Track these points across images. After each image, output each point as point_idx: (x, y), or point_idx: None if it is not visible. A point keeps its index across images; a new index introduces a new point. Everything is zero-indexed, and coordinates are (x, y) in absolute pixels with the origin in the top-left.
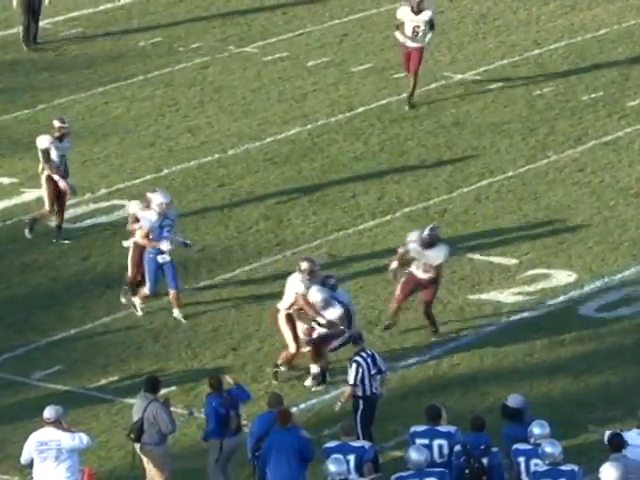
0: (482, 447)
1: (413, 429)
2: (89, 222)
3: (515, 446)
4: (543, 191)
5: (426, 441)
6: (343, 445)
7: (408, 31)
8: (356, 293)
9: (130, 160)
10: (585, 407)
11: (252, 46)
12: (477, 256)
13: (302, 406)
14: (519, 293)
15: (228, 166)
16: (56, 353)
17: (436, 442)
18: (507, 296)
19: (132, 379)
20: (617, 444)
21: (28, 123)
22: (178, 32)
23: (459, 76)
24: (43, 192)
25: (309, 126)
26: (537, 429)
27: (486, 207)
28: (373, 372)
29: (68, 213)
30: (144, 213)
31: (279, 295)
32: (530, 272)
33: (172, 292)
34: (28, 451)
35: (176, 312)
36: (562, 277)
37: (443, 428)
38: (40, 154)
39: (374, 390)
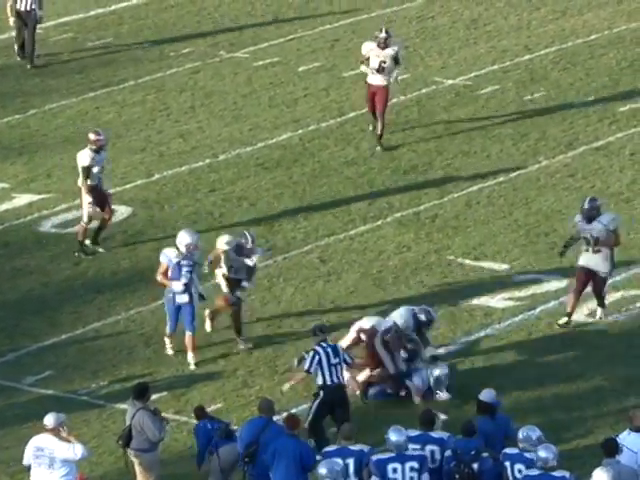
0: (472, 452)
1: (406, 434)
2: None
3: (505, 450)
4: (534, 196)
5: (418, 446)
6: (342, 449)
7: (373, 66)
8: (347, 298)
9: (121, 165)
10: (576, 411)
11: (243, 51)
12: (468, 261)
13: (294, 411)
14: (510, 298)
15: (219, 171)
16: (47, 358)
17: (428, 447)
18: (498, 301)
19: (123, 384)
20: (611, 449)
21: (19, 128)
22: (169, 37)
23: (450, 81)
24: (86, 207)
25: (300, 131)
26: (525, 434)
27: (477, 212)
28: (334, 362)
29: (58, 218)
30: (166, 250)
31: (269, 301)
32: (521, 277)
33: (188, 334)
34: (27, 454)
35: (190, 356)
36: (553, 282)
37: (436, 434)
38: (80, 170)
39: (335, 379)
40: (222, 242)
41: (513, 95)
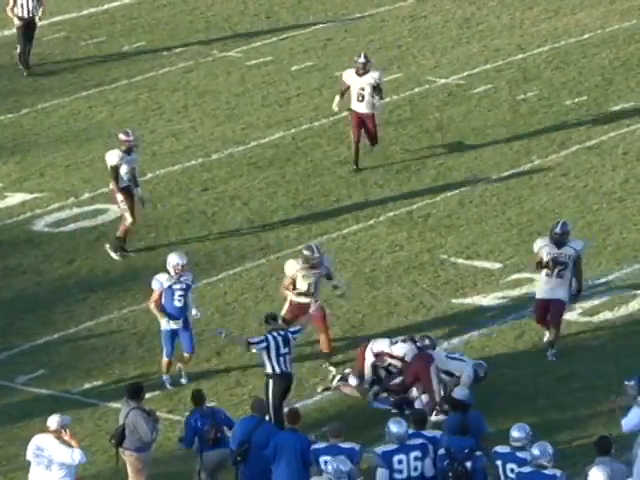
0: (466, 451)
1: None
2: (73, 226)
3: (495, 449)
4: (527, 195)
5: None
6: (332, 447)
7: (353, 94)
8: (339, 298)
9: None
10: (569, 410)
11: (236, 50)
12: (461, 260)
13: (285, 410)
14: (503, 297)
15: (212, 170)
16: (40, 357)
17: None
18: (491, 300)
19: (116, 383)
20: (604, 447)
21: (12, 127)
22: (162, 36)
23: (443, 80)
24: (121, 207)
25: (293, 130)
26: (515, 433)
27: (470, 211)
28: (283, 351)
29: (51, 217)
30: (158, 275)
31: (262, 299)
32: (514, 276)
33: (186, 354)
34: (29, 451)
35: (179, 366)
36: None
37: (429, 433)
38: (109, 170)
39: (283, 368)
40: (292, 267)
41: (506, 94)
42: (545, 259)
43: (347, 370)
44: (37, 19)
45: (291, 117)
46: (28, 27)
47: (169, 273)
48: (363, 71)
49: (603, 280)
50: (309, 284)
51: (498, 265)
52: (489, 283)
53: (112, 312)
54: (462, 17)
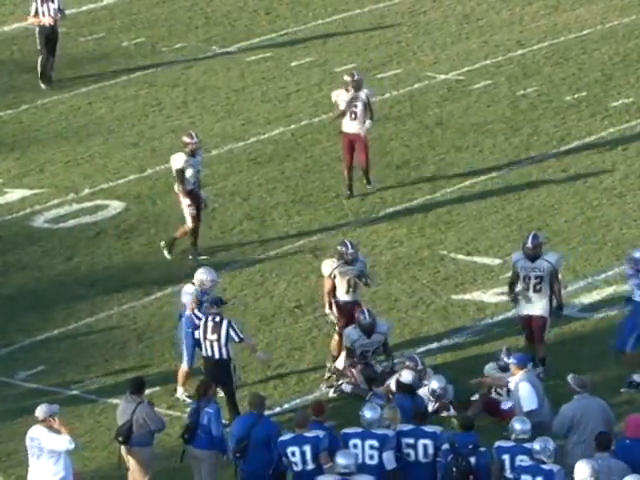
0: (470, 446)
1: (399, 428)
2: (73, 222)
3: (498, 443)
4: (526, 191)
5: (411, 440)
6: (298, 437)
7: (346, 114)
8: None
9: (114, 160)
10: None
11: (235, 46)
12: (460, 256)
13: (286, 406)
14: (502, 293)
15: (211, 166)
16: (40, 353)
17: (421, 442)
18: (490, 296)
19: (116, 379)
20: (603, 443)
21: (11, 123)
22: (161, 32)
23: (442, 76)
24: (186, 211)
25: (292, 126)
26: (518, 425)
27: (469, 207)
28: (211, 337)
29: (51, 213)
30: (186, 288)
31: (262, 296)
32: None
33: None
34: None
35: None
36: None
37: (429, 428)
38: (174, 173)
39: (208, 354)
40: (328, 266)
41: (505, 90)
42: (520, 274)
43: (340, 381)
44: (58, 27)
45: (291, 113)
46: (50, 36)
47: (197, 285)
48: (354, 87)
49: (603, 276)
50: (348, 281)
51: (498, 261)
52: (489, 279)
53: (112, 308)
54: (462, 13)
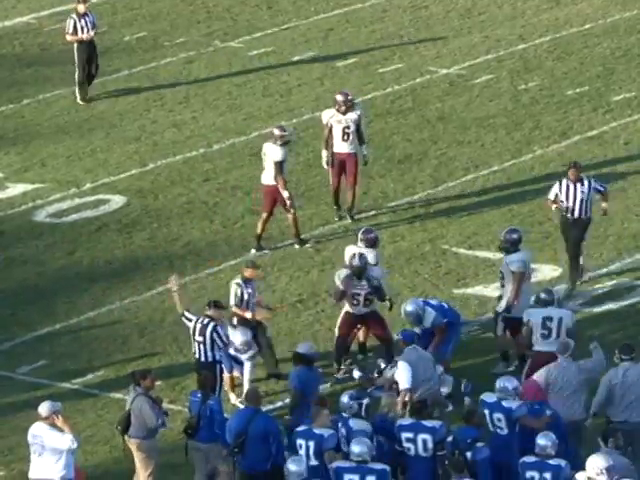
0: (468, 441)
1: (399, 422)
2: (75, 217)
3: (482, 397)
4: (528, 186)
5: (411, 435)
6: (306, 430)
7: (337, 134)
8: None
9: (115, 155)
10: None
11: (237, 41)
12: (462, 250)
13: (287, 400)
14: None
15: (213, 160)
16: (41, 348)
17: (420, 436)
18: (492, 290)
19: (117, 374)
20: (608, 437)
21: (13, 118)
22: (163, 27)
23: (444, 70)
24: (288, 202)
25: (294, 120)
26: (508, 384)
27: (471, 201)
28: (198, 339)
29: (53, 208)
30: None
31: (264, 290)
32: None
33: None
34: (29, 442)
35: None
36: (547, 271)
37: (428, 423)
38: (273, 166)
39: (196, 355)
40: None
41: (507, 84)
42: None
43: (353, 365)
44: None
45: (292, 107)
46: (90, 52)
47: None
48: (345, 108)
49: (604, 270)
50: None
51: (500, 255)
52: (490, 273)
53: (114, 302)
54: (463, 7)
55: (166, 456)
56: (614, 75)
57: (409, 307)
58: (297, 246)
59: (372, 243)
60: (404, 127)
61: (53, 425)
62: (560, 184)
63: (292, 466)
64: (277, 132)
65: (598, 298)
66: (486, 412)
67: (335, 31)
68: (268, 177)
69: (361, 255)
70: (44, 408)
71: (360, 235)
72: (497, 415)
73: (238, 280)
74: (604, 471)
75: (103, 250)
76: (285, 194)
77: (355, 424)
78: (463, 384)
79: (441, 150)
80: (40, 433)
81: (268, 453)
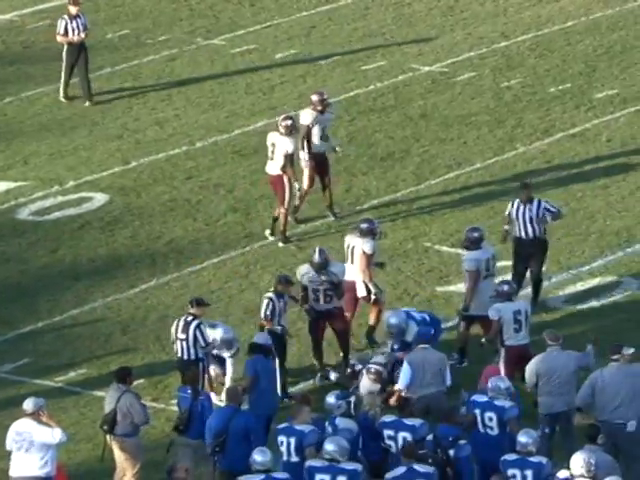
0: (450, 439)
1: (382, 420)
2: (57, 214)
3: (472, 397)
4: (511, 183)
5: (392, 432)
6: (287, 427)
7: (316, 135)
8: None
9: (98, 152)
10: None
11: (220, 38)
12: (445, 248)
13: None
14: None
15: (196, 158)
16: (24, 346)
17: (400, 434)
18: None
19: (100, 371)
20: (592, 435)
21: None
22: (146, 24)
23: (426, 68)
24: (305, 171)
25: (277, 118)
26: (501, 383)
27: (454, 199)
28: (181, 337)
29: (35, 205)
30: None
31: (246, 288)
32: (497, 264)
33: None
34: (8, 440)
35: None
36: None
37: (408, 421)
38: (283, 157)
39: (178, 354)
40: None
41: (490, 82)
42: None
43: (327, 368)
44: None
45: (275, 105)
46: (79, 52)
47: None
48: (322, 107)
49: (587, 267)
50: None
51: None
52: None
53: (96, 300)
54: (446, 5)
55: (149, 454)
56: (596, 72)
57: (393, 320)
58: (281, 244)
59: (367, 233)
60: (387, 125)
61: (39, 421)
62: (512, 204)
63: (257, 456)
64: (315, 98)
65: (581, 295)
66: (477, 412)
67: (318, 29)
68: (274, 167)
69: (321, 250)
70: (29, 404)
71: (359, 225)
72: (489, 414)
73: (270, 294)
74: (588, 469)
75: (86, 248)
76: (287, 188)
77: (341, 422)
78: (462, 394)
79: (424, 148)
80: (28, 429)
81: (249, 452)
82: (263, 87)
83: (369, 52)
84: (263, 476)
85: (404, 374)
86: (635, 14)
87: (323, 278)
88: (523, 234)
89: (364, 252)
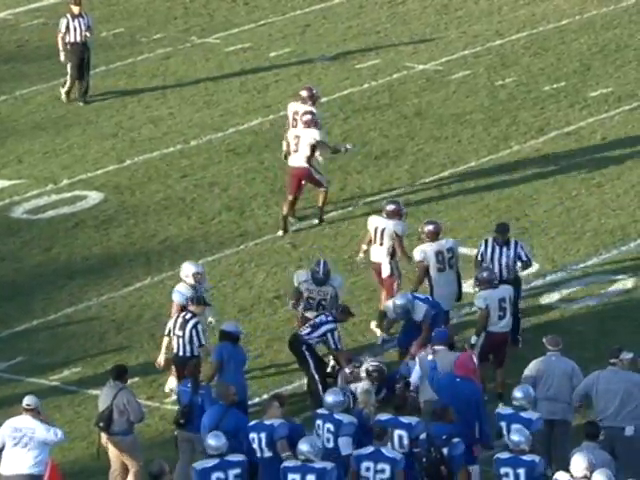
0: (444, 437)
1: (377, 417)
2: (52, 213)
3: (497, 410)
4: (505, 181)
5: (388, 430)
6: (257, 424)
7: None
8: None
9: (92, 151)
10: None
11: (214, 37)
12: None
13: (265, 396)
14: None
15: (190, 157)
16: (19, 344)
17: (397, 432)
18: (469, 286)
19: (95, 370)
20: (591, 433)
21: None
22: (140, 23)
23: (421, 66)
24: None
25: (271, 117)
26: (518, 393)
27: (448, 197)
28: (178, 333)
29: (30, 204)
30: (178, 287)
31: (241, 286)
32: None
33: None
34: (1, 435)
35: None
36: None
37: (404, 419)
38: (309, 147)
39: (174, 350)
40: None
41: (484, 80)
42: None
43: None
44: (89, 39)
45: (269, 103)
46: (82, 53)
47: (187, 283)
48: (312, 102)
49: (582, 266)
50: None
51: (476, 250)
52: (467, 269)
53: (91, 299)
54: (440, 3)
55: (144, 453)
56: (591, 71)
57: (399, 301)
58: (316, 221)
59: (394, 214)
60: (381, 123)
61: (39, 419)
62: (486, 245)
63: (211, 441)
64: (304, 93)
65: (575, 294)
66: (503, 425)
67: (312, 27)
68: (298, 159)
69: (324, 263)
70: (32, 400)
71: (384, 206)
72: (516, 426)
73: None
74: (591, 470)
75: (80, 247)
76: (317, 173)
77: (345, 417)
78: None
79: (418, 146)
80: (29, 425)
81: (239, 450)
82: (257, 86)
83: (363, 50)
84: (217, 460)
85: (415, 373)
86: (629, 12)
87: (323, 289)
88: (501, 276)
89: (397, 234)
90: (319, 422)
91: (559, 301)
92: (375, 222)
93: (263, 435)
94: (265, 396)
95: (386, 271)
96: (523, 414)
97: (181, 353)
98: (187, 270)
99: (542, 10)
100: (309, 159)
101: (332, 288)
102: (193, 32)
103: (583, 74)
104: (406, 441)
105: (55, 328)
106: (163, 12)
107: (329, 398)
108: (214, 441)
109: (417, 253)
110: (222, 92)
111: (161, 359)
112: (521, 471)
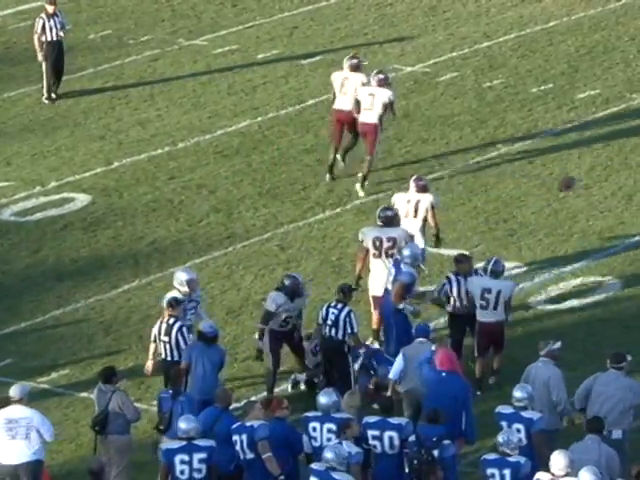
0: (434, 439)
1: (365, 420)
2: (40, 215)
3: (498, 409)
4: (493, 183)
5: (377, 432)
6: (239, 426)
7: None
8: (306, 286)
9: (80, 153)
10: None
11: (202, 39)
12: (427, 248)
13: (253, 399)
14: None
15: (178, 159)
16: (7, 346)
17: (387, 434)
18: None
19: (83, 372)
20: (596, 427)
21: None
22: (128, 25)
23: (409, 68)
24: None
25: (259, 119)
26: (518, 393)
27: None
28: (164, 339)
29: (17, 206)
30: (169, 294)
31: (229, 288)
32: (480, 264)
33: None
34: None
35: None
36: (512, 269)
37: (394, 420)
38: (382, 106)
39: (162, 355)
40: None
41: (472, 82)
42: None
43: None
44: (62, 36)
45: (257, 105)
46: (58, 52)
47: (181, 291)
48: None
49: (569, 267)
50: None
51: (464, 253)
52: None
53: (79, 301)
54: (428, 5)
55: (133, 454)
56: (578, 73)
57: (407, 251)
58: (358, 185)
59: (425, 188)
60: None
61: (30, 406)
62: (449, 280)
63: (182, 424)
64: (380, 76)
65: (563, 295)
66: (503, 424)
67: (300, 29)
68: (370, 116)
69: (294, 277)
70: (17, 391)
71: (412, 182)
72: (517, 426)
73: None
74: (567, 469)
75: (68, 249)
76: (378, 137)
77: (344, 417)
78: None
79: (406, 148)
80: (25, 415)
81: (232, 455)
82: (245, 87)
83: (351, 52)
84: (185, 442)
85: (396, 365)
86: (617, 14)
87: (296, 303)
88: (457, 308)
89: (433, 206)
90: (315, 424)
91: (546, 302)
92: (405, 197)
93: (244, 437)
94: (253, 398)
95: (421, 244)
96: (524, 414)
97: (169, 358)
98: (181, 277)
99: (530, 12)
100: (381, 117)
101: (303, 299)
102: (181, 34)
103: (571, 76)
104: (397, 442)
105: (43, 330)
106: (151, 14)
107: (323, 400)
108: (184, 424)
109: (363, 234)
110: (210, 94)
111: (149, 365)
112: (507, 472)
